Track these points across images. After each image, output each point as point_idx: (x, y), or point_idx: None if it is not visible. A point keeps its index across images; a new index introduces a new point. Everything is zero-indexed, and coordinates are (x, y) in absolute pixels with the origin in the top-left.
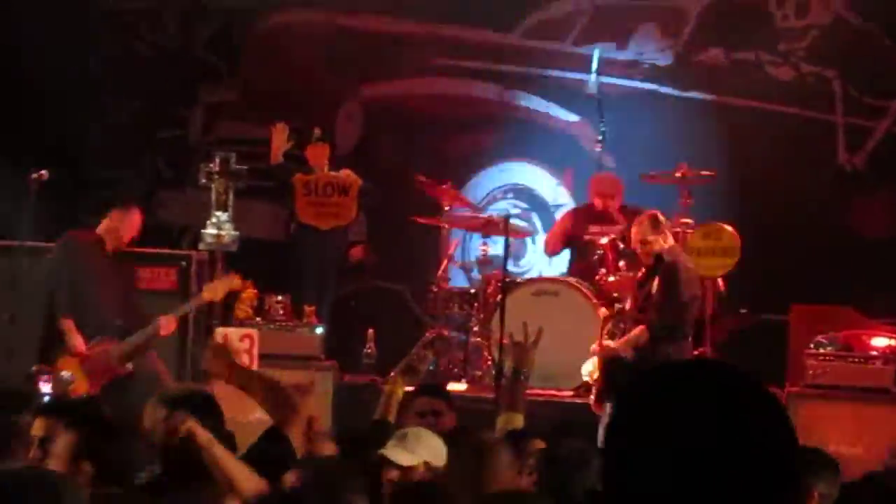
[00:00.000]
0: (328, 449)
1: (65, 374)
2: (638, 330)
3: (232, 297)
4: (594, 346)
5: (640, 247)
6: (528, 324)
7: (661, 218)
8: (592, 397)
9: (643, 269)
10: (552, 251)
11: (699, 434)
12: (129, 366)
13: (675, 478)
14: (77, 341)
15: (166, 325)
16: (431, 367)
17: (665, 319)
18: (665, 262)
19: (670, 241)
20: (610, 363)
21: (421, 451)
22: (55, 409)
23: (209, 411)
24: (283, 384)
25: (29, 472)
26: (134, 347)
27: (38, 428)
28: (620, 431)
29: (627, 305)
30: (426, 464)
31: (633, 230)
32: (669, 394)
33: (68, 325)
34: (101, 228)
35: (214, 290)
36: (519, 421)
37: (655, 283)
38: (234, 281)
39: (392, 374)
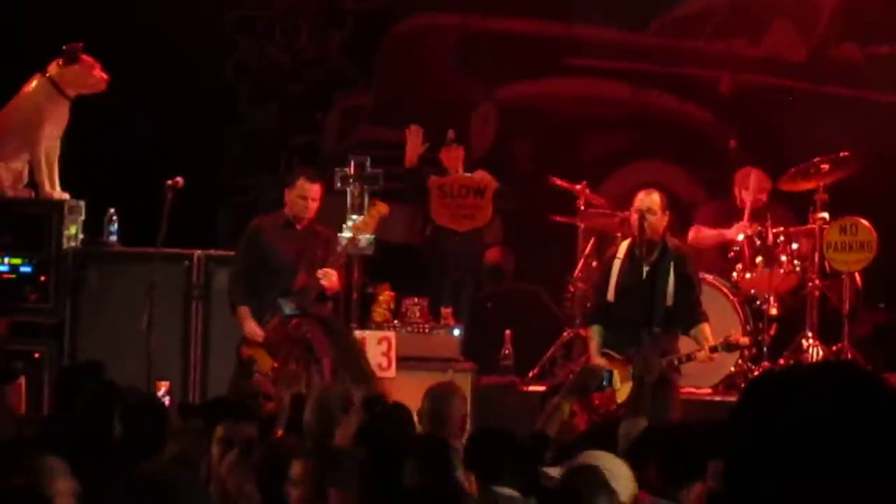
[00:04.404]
0: None
1: (258, 374)
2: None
3: (369, 299)
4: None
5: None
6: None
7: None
8: None
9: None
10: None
11: (815, 437)
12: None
13: (789, 482)
14: (252, 327)
15: (329, 279)
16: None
17: None
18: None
19: None
20: None
21: None
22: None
23: None
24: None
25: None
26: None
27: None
28: (741, 433)
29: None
30: None
31: (655, 199)
32: (791, 397)
33: (243, 311)
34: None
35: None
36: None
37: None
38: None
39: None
